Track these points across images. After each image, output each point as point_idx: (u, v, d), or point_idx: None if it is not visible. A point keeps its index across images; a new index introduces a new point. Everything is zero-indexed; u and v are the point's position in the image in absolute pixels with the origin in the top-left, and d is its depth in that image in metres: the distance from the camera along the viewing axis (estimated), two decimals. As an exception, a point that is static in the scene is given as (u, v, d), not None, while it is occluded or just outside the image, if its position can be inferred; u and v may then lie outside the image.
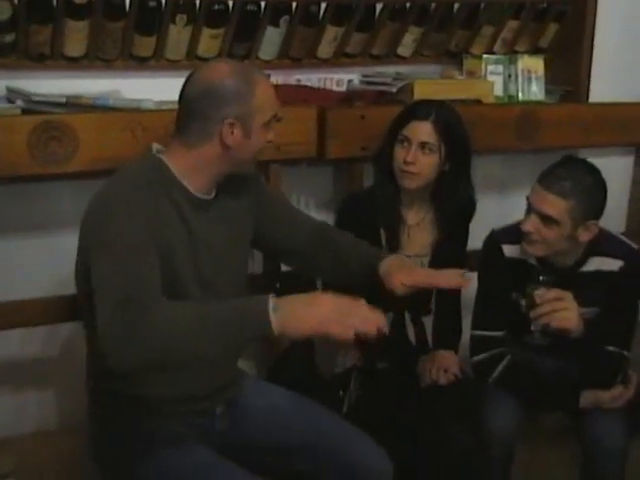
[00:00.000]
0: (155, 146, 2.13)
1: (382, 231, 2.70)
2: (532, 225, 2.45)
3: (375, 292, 2.40)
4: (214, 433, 2.22)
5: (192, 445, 2.11)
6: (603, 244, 2.57)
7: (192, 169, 2.07)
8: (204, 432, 2.19)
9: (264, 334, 1.80)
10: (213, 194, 2.15)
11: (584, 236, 2.47)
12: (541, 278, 2.41)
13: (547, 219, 2.42)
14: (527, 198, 2.49)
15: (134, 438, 2.12)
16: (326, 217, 3.09)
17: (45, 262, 2.69)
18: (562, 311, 2.37)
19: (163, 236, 1.99)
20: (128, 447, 2.12)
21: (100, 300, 1.84)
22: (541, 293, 2.39)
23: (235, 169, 2.14)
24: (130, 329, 1.77)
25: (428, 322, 2.84)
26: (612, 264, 2.58)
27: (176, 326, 1.79)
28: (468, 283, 2.31)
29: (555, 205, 2.40)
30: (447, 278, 2.30)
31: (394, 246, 2.69)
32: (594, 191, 2.44)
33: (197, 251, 2.09)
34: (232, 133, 2.04)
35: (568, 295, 2.38)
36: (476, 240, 2.77)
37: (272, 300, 1.79)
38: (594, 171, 2.47)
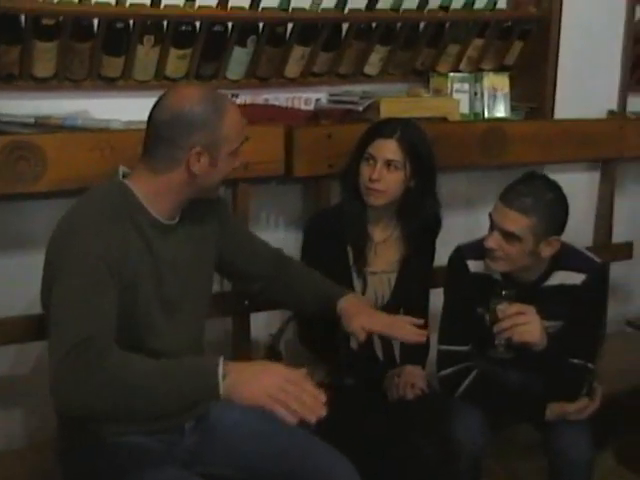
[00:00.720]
0: (122, 169, 2.13)
1: (349, 248, 2.72)
2: (494, 241, 2.48)
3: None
4: (182, 448, 2.22)
5: (161, 460, 2.12)
6: (566, 258, 2.60)
7: (156, 194, 2.08)
8: (173, 447, 2.20)
9: (211, 397, 1.86)
10: (177, 219, 2.16)
11: (546, 251, 2.51)
12: (504, 293, 2.44)
13: (509, 235, 2.45)
14: (490, 215, 2.52)
15: (102, 454, 2.12)
16: (295, 234, 3.12)
17: (16, 281, 2.69)
18: (524, 325, 2.40)
19: (127, 260, 2.00)
20: (96, 463, 2.12)
21: (55, 337, 1.87)
22: (503, 308, 2.42)
23: (200, 195, 2.15)
24: (82, 376, 1.80)
25: (395, 338, 2.86)
26: (575, 278, 2.61)
27: (127, 378, 1.82)
28: (423, 338, 2.36)
29: (516, 222, 2.43)
30: (404, 332, 2.36)
31: (361, 263, 2.71)
32: (555, 207, 2.48)
33: (161, 274, 2.10)
34: (199, 161, 2.04)
35: (530, 309, 2.42)
36: (442, 256, 2.80)
37: (222, 366, 1.83)
38: (555, 187, 2.51)
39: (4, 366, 2.76)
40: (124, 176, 2.12)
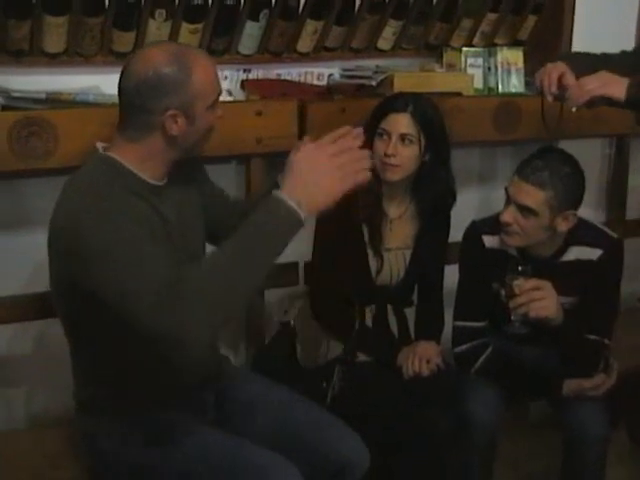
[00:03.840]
0: (100, 144, 2.10)
1: (364, 226, 2.71)
2: (510, 216, 2.47)
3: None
4: (205, 422, 2.23)
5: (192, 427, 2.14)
6: (582, 233, 2.59)
7: (141, 161, 2.04)
8: (196, 420, 2.20)
9: (298, 229, 1.82)
10: (165, 180, 2.12)
11: (562, 226, 2.49)
12: (520, 268, 2.42)
13: (525, 210, 2.44)
14: (505, 189, 2.51)
15: (132, 428, 2.12)
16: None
17: (21, 259, 2.69)
18: (540, 300, 2.39)
19: (141, 224, 1.96)
20: (125, 437, 2.12)
21: (133, 304, 1.82)
22: (519, 283, 2.41)
23: (186, 154, 2.11)
24: (183, 310, 1.77)
25: (411, 314, 2.85)
26: (591, 253, 2.60)
27: (218, 276, 1.81)
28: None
29: (533, 196, 2.42)
30: None
31: (377, 240, 2.70)
32: (571, 181, 2.46)
33: (171, 234, 2.08)
34: (176, 123, 2.00)
35: (546, 284, 2.40)
36: (457, 232, 2.79)
37: (289, 199, 1.79)
38: (571, 161, 2.49)
39: (4, 345, 2.76)
40: (104, 149, 2.09)
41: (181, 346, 1.81)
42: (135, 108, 2.00)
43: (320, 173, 1.83)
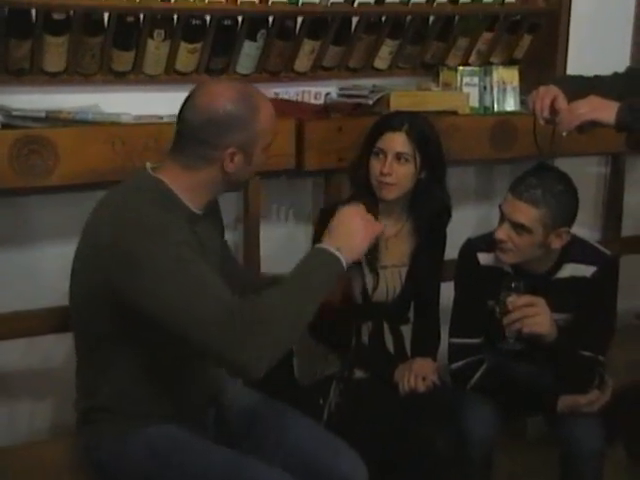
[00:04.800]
0: (149, 164, 2.12)
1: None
2: (504, 233, 2.49)
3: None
4: (207, 437, 2.23)
5: (196, 441, 2.15)
6: (576, 251, 2.61)
7: (190, 189, 2.07)
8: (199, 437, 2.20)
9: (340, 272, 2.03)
10: (203, 210, 2.14)
11: (556, 243, 2.51)
12: (513, 285, 2.44)
13: (519, 227, 2.46)
14: (500, 207, 2.53)
15: (135, 442, 2.13)
16: (305, 228, 3.14)
17: (22, 275, 2.71)
18: (533, 317, 2.40)
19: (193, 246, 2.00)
20: (128, 451, 2.13)
21: (201, 330, 1.88)
22: (513, 300, 2.42)
23: (233, 189, 2.19)
24: (252, 341, 1.87)
25: (407, 331, 2.86)
26: (586, 270, 2.61)
27: (280, 311, 1.92)
28: None
29: (526, 213, 2.44)
30: None
31: (373, 258, 2.71)
32: (565, 199, 2.48)
33: (209, 262, 2.08)
34: (233, 161, 2.03)
35: (540, 301, 2.42)
36: (453, 249, 2.80)
37: (332, 249, 2.01)
38: (565, 179, 2.52)
39: (26, 360, 2.78)
40: (153, 170, 2.10)
41: (244, 373, 1.97)
42: (197, 141, 2.03)
43: (354, 228, 2.06)
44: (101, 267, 1.98)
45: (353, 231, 2.05)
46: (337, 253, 2.00)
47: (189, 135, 2.04)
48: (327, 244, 2.02)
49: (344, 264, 2.01)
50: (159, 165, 2.11)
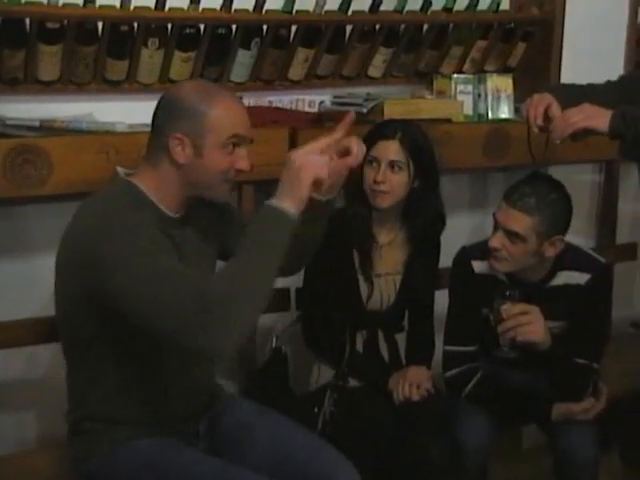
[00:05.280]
0: (121, 169, 2.13)
1: (354, 252, 2.73)
2: (498, 241, 2.50)
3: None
4: (199, 448, 2.24)
5: (186, 452, 2.15)
6: (570, 258, 2.61)
7: (157, 188, 2.08)
8: (190, 448, 2.21)
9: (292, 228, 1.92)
10: (180, 214, 2.14)
11: (550, 251, 2.52)
12: (507, 293, 2.45)
13: (513, 235, 2.47)
14: (494, 215, 2.53)
15: (124, 455, 2.12)
16: (299, 236, 3.13)
17: (21, 285, 2.70)
18: (527, 325, 2.41)
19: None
20: (120, 464, 2.12)
21: (160, 314, 1.88)
22: (507, 308, 2.43)
23: (199, 192, 2.12)
24: (214, 325, 1.84)
25: (401, 340, 2.86)
26: (580, 278, 2.62)
27: (237, 287, 1.87)
28: None
29: (520, 221, 2.45)
30: None
31: (367, 266, 2.73)
32: (558, 207, 2.49)
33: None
34: (182, 150, 2.03)
35: (533, 309, 2.43)
36: (447, 257, 2.81)
37: (277, 204, 1.90)
38: (558, 187, 2.52)
39: (15, 369, 2.77)
40: (126, 175, 2.12)
41: (214, 358, 2.04)
42: (153, 128, 2.08)
43: (295, 168, 1.93)
44: (75, 275, 2.02)
45: (294, 172, 1.93)
46: (284, 206, 1.90)
47: (152, 127, 2.09)
48: (274, 199, 1.93)
49: (294, 216, 1.91)
50: (134, 171, 2.13)
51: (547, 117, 2.43)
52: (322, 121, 3.04)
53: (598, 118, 2.36)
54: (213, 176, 2.09)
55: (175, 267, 1.94)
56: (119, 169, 2.14)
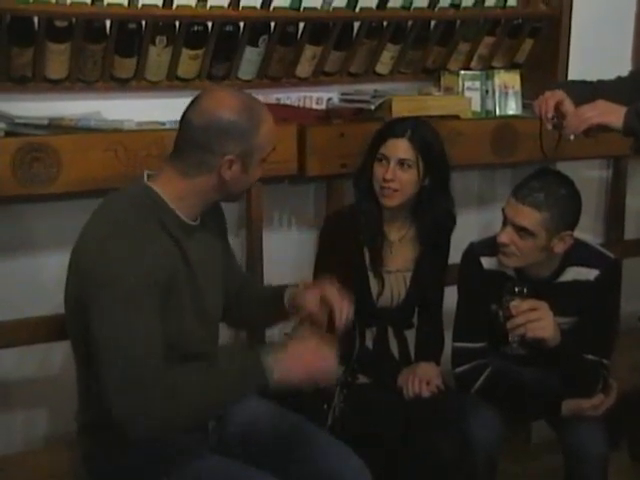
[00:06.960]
0: (147, 172, 2.13)
1: (365, 248, 2.73)
2: (507, 237, 2.49)
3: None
4: (207, 446, 2.24)
5: (194, 451, 2.16)
6: (579, 254, 2.60)
7: (183, 196, 2.08)
8: (198, 447, 2.21)
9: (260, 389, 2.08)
10: (198, 220, 2.16)
11: (559, 247, 2.51)
12: (516, 289, 2.44)
13: (522, 231, 2.46)
14: (503, 210, 2.53)
15: (133, 453, 2.12)
16: (308, 235, 3.14)
17: (30, 283, 2.71)
18: (537, 321, 2.40)
19: (160, 262, 2.00)
20: (129, 462, 2.13)
21: (108, 362, 1.94)
22: (516, 304, 2.42)
23: (225, 199, 2.18)
24: (142, 399, 1.91)
25: (411, 336, 2.86)
26: (588, 273, 2.61)
27: (184, 395, 1.96)
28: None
29: (529, 217, 2.44)
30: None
31: (377, 263, 2.72)
32: (567, 202, 2.48)
33: (194, 277, 2.11)
34: (230, 169, 2.05)
35: (543, 305, 2.42)
36: (456, 254, 2.80)
37: (267, 365, 2.00)
38: (567, 182, 2.52)
39: (28, 368, 2.78)
40: (149, 177, 2.12)
41: (126, 430, 1.96)
42: (197, 145, 2.05)
43: (302, 364, 2.06)
44: (78, 273, 2.05)
45: (303, 366, 2.06)
46: (268, 373, 2.00)
47: (190, 139, 2.06)
48: (269, 358, 2.02)
49: (269, 383, 2.02)
50: (156, 173, 2.13)
51: (560, 113, 2.43)
52: (330, 118, 3.05)
53: (612, 114, 2.35)
54: (248, 186, 2.18)
55: (151, 331, 1.96)
56: (146, 172, 2.14)
